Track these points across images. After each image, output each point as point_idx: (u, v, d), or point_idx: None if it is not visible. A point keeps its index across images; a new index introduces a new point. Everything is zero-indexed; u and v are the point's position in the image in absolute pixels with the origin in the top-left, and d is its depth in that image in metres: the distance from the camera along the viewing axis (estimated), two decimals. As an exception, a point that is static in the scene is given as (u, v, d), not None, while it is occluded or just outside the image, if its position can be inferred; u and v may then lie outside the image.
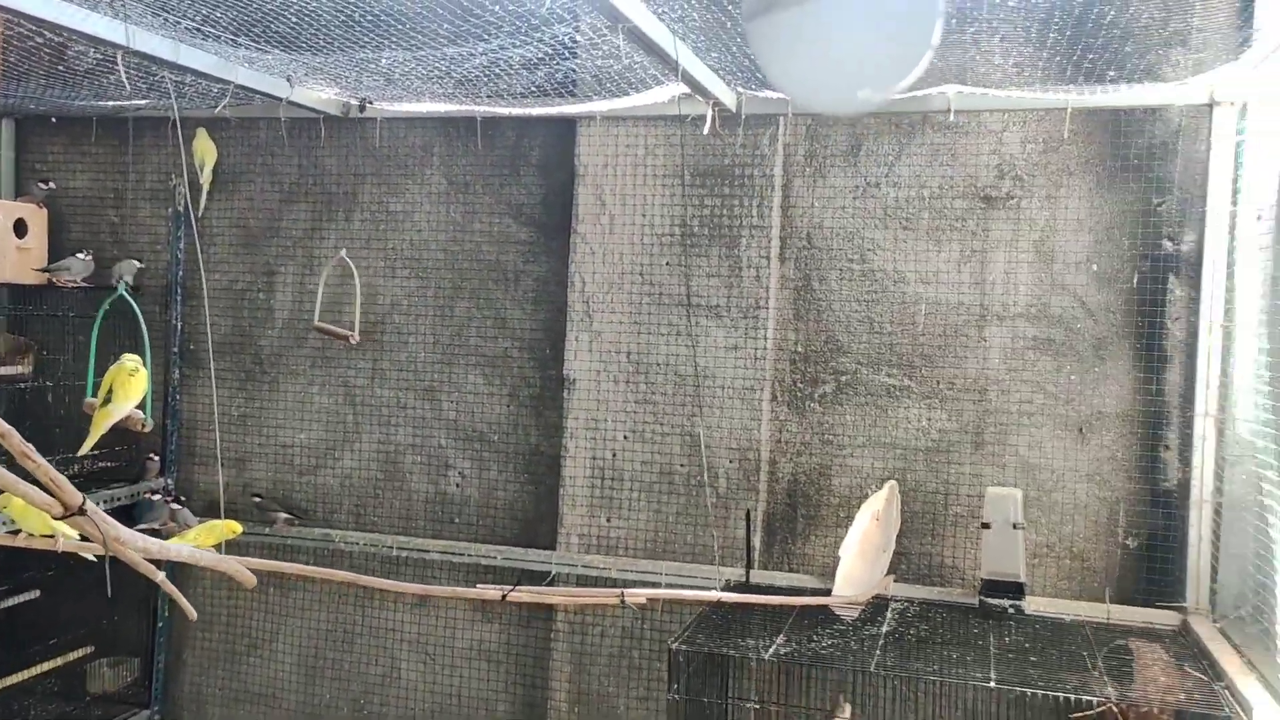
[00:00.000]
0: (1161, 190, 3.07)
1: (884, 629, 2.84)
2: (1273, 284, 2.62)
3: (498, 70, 2.99)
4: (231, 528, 2.55)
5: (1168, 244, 3.07)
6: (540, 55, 2.89)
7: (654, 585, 3.25)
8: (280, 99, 3.30)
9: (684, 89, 2.89)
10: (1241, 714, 2.21)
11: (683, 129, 3.36)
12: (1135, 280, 3.09)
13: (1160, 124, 3.06)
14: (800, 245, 3.38)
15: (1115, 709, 2.53)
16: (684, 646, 2.67)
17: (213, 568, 2.12)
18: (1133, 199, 3.09)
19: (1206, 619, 2.83)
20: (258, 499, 3.81)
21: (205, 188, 3.89)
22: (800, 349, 3.39)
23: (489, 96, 3.31)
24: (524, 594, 2.99)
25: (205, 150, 3.84)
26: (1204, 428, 2.92)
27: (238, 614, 3.99)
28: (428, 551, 3.68)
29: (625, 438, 3.47)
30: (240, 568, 2.09)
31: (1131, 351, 3.10)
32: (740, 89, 3.15)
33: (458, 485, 3.75)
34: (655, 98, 3.08)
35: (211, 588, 3.98)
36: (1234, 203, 2.90)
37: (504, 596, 2.88)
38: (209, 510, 3.80)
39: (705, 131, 3.18)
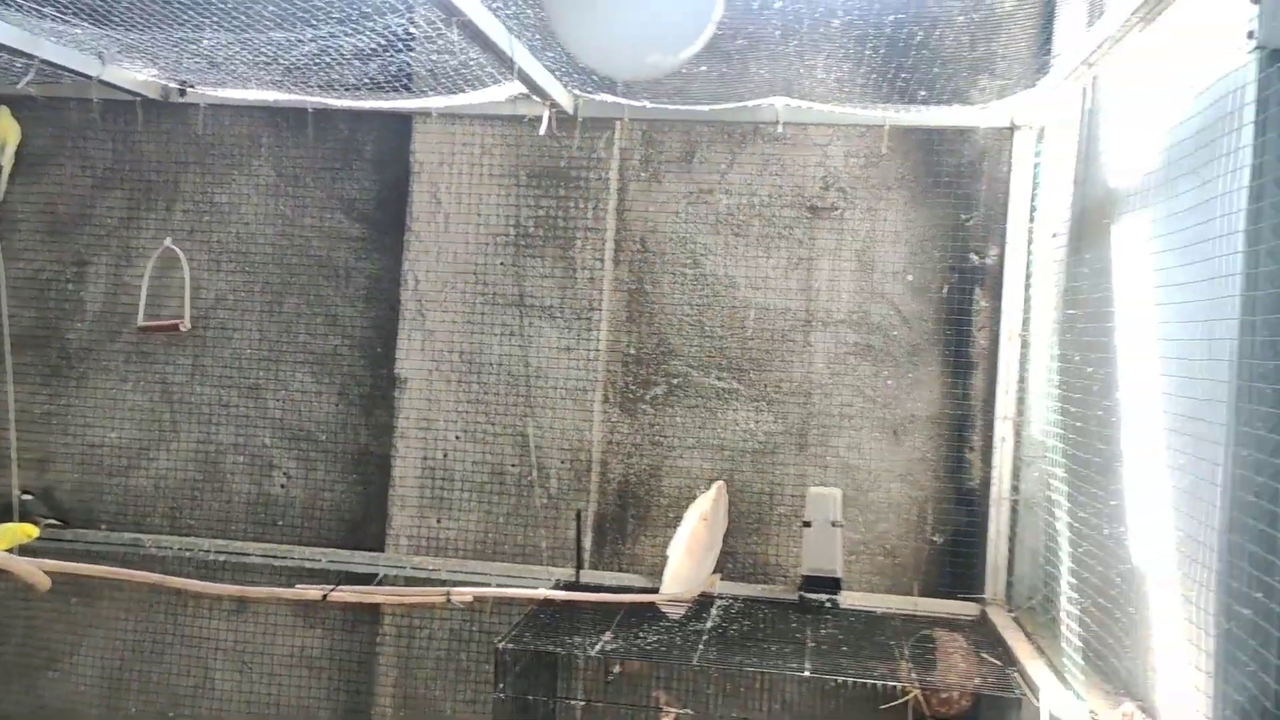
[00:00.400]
0: (969, 207, 3.26)
1: (708, 625, 2.91)
2: (1065, 297, 2.83)
3: (328, 59, 2.93)
4: (26, 531, 2.41)
5: (974, 258, 3.27)
6: (373, 46, 2.84)
7: (483, 585, 3.23)
8: (91, 78, 3.12)
9: (521, 89, 2.89)
10: (1030, 694, 2.37)
11: (520, 129, 3.36)
12: (945, 291, 3.27)
13: (969, 145, 3.26)
14: (634, 249, 3.43)
15: (919, 694, 2.66)
16: (511, 645, 2.66)
17: (4, 568, 1.99)
18: (944, 214, 3.28)
19: (1003, 609, 3.02)
20: (28, 497, 3.58)
21: (6, 169, 3.65)
22: (633, 351, 3.44)
23: (320, 87, 3.23)
24: (347, 594, 2.93)
25: (6, 130, 3.60)
26: (1003, 430, 3.12)
27: (35, 626, 3.74)
28: (248, 555, 3.55)
29: (457, 438, 3.44)
30: (34, 569, 1.97)
31: (941, 358, 3.28)
32: (577, 91, 3.18)
33: (282, 486, 3.63)
34: (492, 96, 3.08)
35: (5, 598, 3.72)
36: (1032, 220, 3.10)
37: (325, 596, 2.82)
38: (4, 514, 3.55)
39: (541, 133, 3.19)
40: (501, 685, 2.62)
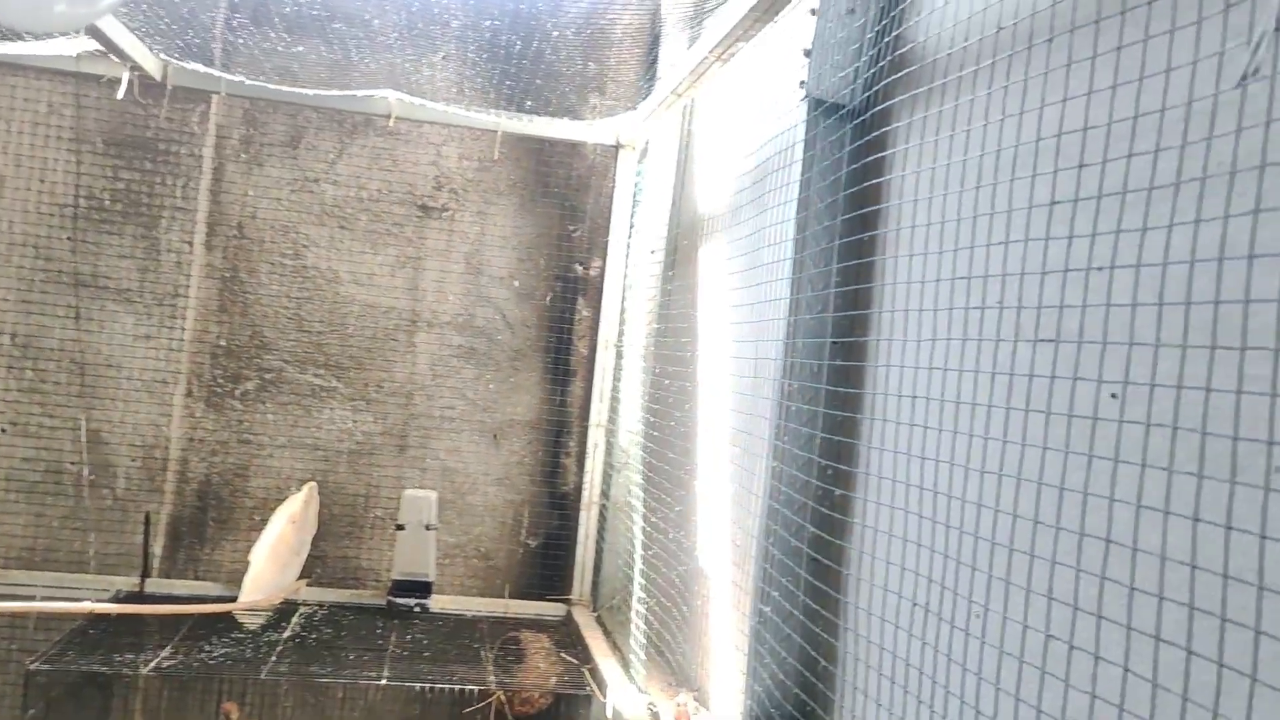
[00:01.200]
0: (577, 219, 3.36)
1: (286, 634, 2.76)
2: (658, 312, 2.99)
3: None
4: None
5: (578, 268, 3.37)
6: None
7: (29, 599, 2.86)
8: None
9: (95, 45, 2.60)
10: (598, 691, 2.47)
11: (99, 90, 3.02)
12: (549, 299, 3.35)
13: (579, 159, 3.36)
14: (230, 234, 3.20)
15: (500, 696, 2.69)
16: (45, 666, 2.37)
17: None
18: (551, 224, 3.35)
19: (587, 609, 3.13)
20: None
21: None
22: (223, 343, 3.20)
23: None
24: None
25: None
26: (596, 437, 3.24)
27: None
28: None
29: (4, 430, 3.03)
30: None
31: (542, 364, 3.35)
32: (165, 56, 2.91)
33: None
34: (61, 49, 2.74)
35: None
36: (631, 236, 3.26)
37: None
38: None
39: (120, 97, 2.89)
40: (33, 711, 2.32)
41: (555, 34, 3.08)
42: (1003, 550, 1.13)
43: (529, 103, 3.14)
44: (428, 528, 3.04)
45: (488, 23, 2.91)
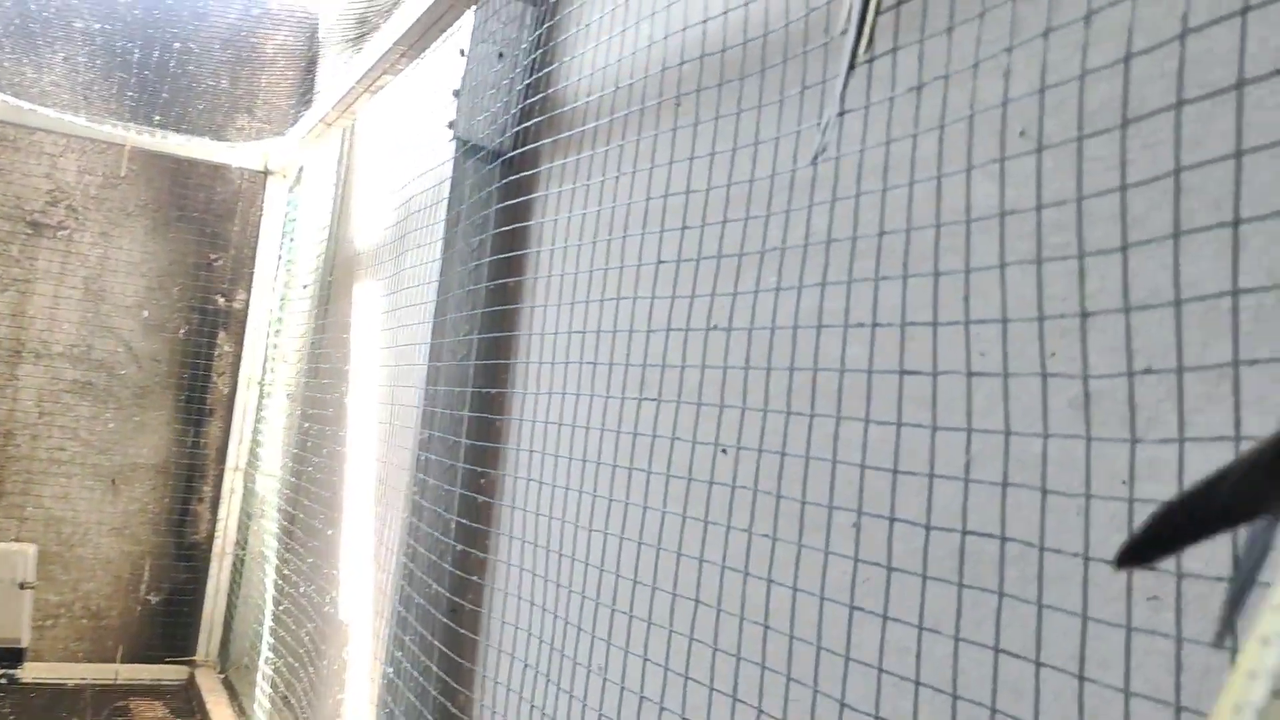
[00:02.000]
0: (219, 246, 3.12)
1: None
2: (310, 350, 2.81)
3: None
4: None
5: (220, 299, 3.12)
6: None
7: None
8: None
9: None
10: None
11: None
12: (184, 332, 3.07)
13: (224, 182, 3.13)
14: None
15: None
16: None
17: None
18: (189, 250, 3.09)
19: (213, 670, 2.87)
20: None
21: None
22: None
23: None
24: None
25: None
26: (233, 481, 3.00)
27: None
28: None
29: None
30: None
31: (174, 403, 3.06)
32: None
33: None
34: None
35: None
36: (283, 268, 3.07)
37: None
38: None
39: None
40: None
41: (197, 48, 2.86)
42: (605, 610, 1.12)
43: (157, 117, 2.88)
44: (22, 586, 2.67)
45: (120, 27, 2.65)
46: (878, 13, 0.84)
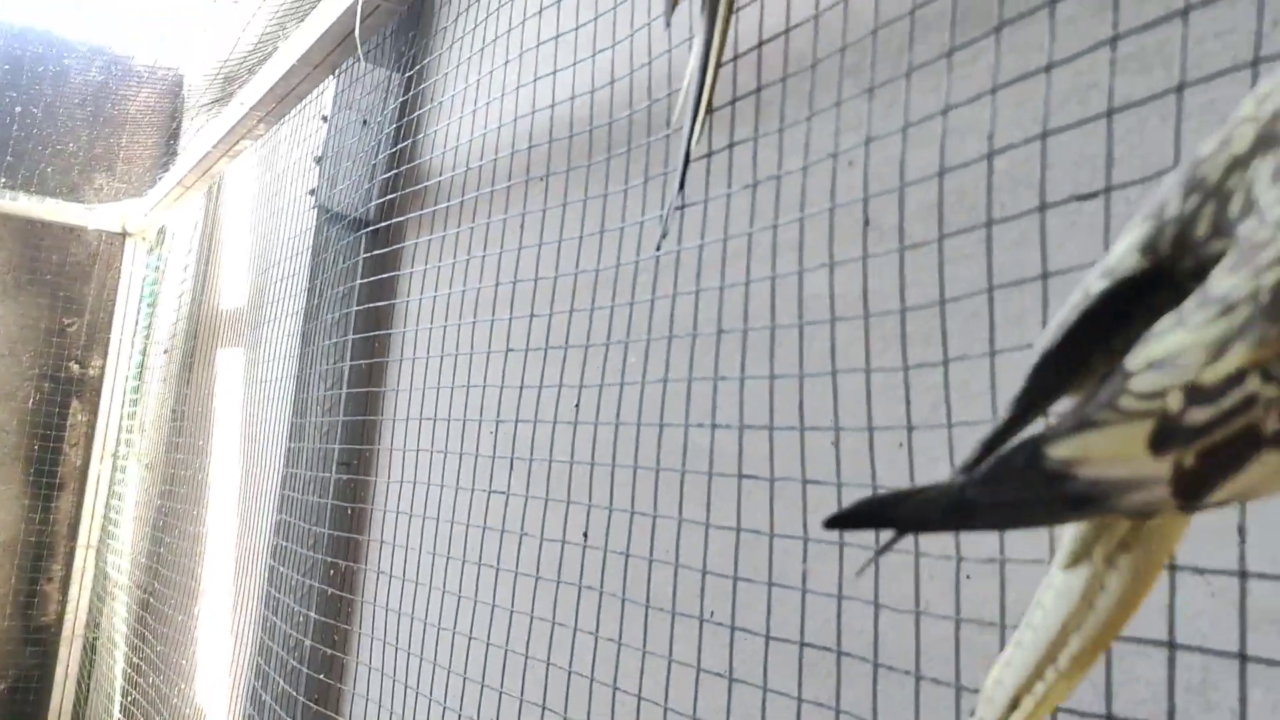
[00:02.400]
0: (74, 311, 2.97)
1: None
2: (171, 420, 2.68)
3: None
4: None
5: (75, 367, 2.97)
6: None
7: None
8: None
9: None
10: None
11: None
12: (34, 400, 2.90)
13: (79, 244, 2.99)
14: None
15: None
16: None
17: None
18: (40, 315, 2.93)
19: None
20: None
21: None
22: None
23: None
24: None
25: None
26: (85, 559, 2.83)
27: None
28: None
29: None
30: None
31: (23, 476, 2.89)
32: None
33: None
34: None
35: None
36: (141, 333, 2.93)
37: None
38: None
39: None
40: None
41: (55, 106, 2.74)
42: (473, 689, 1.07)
43: (1, 179, 2.74)
44: None
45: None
46: (709, 111, 0.83)
